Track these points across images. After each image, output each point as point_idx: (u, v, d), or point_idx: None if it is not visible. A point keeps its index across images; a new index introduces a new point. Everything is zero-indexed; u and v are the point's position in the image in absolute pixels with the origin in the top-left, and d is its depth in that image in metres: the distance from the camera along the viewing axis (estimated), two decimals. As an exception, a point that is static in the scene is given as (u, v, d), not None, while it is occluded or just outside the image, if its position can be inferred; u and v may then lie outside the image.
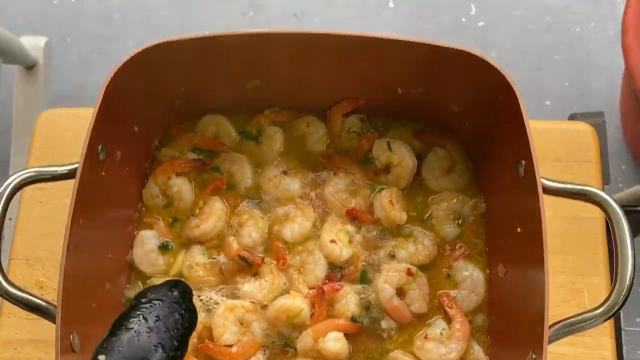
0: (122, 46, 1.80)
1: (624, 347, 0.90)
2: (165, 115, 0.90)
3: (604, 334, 0.87)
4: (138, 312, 0.61)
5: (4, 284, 0.71)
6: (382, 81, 0.85)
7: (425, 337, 0.83)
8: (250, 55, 0.81)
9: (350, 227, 0.87)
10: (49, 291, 0.88)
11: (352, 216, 0.87)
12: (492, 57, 0.76)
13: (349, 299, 0.84)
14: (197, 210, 0.89)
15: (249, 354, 0.83)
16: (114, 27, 1.84)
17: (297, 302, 0.83)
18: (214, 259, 0.87)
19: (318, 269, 0.85)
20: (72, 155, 0.75)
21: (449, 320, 0.84)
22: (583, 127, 0.97)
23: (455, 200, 0.88)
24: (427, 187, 0.90)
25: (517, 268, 0.79)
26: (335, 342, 0.82)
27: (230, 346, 0.83)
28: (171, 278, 0.84)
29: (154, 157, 0.91)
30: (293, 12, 1.79)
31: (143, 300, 0.63)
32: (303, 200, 0.89)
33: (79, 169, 0.72)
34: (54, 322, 0.68)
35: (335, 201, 0.88)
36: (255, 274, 0.86)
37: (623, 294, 0.69)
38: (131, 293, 0.85)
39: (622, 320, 0.92)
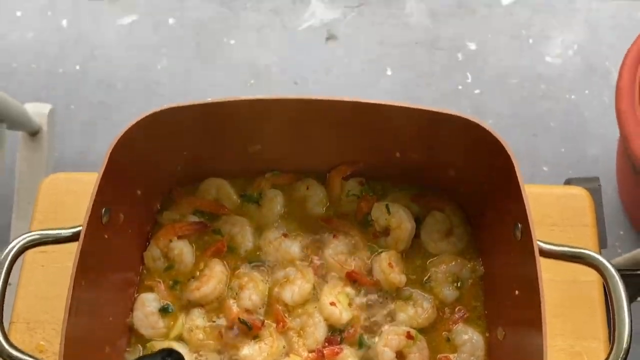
0: (125, 113, 1.83)
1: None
2: (167, 178, 0.91)
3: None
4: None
5: (6, 346, 0.71)
6: (380, 145, 0.87)
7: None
8: (252, 121, 0.83)
9: (350, 290, 0.88)
10: (49, 355, 0.88)
11: (352, 279, 0.88)
12: (488, 123, 0.78)
13: (349, 363, 0.84)
14: (198, 273, 0.89)
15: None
16: (116, 94, 1.88)
17: (297, 366, 0.83)
18: (214, 322, 0.87)
19: (318, 332, 0.85)
20: (74, 219, 0.76)
21: (449, 383, 0.84)
22: (579, 192, 0.99)
23: (453, 263, 0.89)
24: (426, 250, 0.91)
25: (516, 331, 0.79)
26: (335, 405, 0.81)
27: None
28: (166, 347, 0.83)
29: (156, 220, 0.92)
30: (293, 80, 1.83)
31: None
32: (303, 263, 0.90)
33: (83, 231, 0.73)
34: (54, 385, 0.68)
35: (334, 263, 0.89)
36: (255, 337, 0.86)
37: (620, 356, 0.69)
38: (131, 357, 0.85)
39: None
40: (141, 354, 0.85)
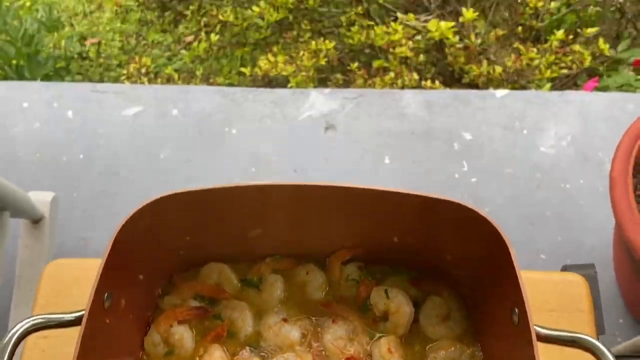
0: (127, 201, 1.85)
1: None
2: (169, 263, 0.93)
3: None
4: None
5: None
6: (378, 230, 0.89)
7: None
8: (253, 206, 0.85)
9: (349, 375, 0.88)
10: None
11: (351, 364, 0.88)
12: (485, 211, 0.80)
13: None
14: (198, 359, 0.89)
15: None
16: (119, 183, 1.91)
17: None
18: (213, 408, 0.86)
19: (317, 418, 0.85)
20: (76, 304, 0.77)
21: None
22: (575, 278, 1.00)
23: (452, 349, 0.89)
24: (425, 334, 0.91)
25: (517, 417, 0.79)
26: None
27: None
28: None
29: (157, 304, 0.93)
30: (293, 168, 1.86)
31: None
32: (302, 348, 0.90)
33: (85, 315, 0.74)
34: None
35: (334, 348, 0.89)
36: None
37: None
38: None
39: None
40: None
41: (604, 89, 2.17)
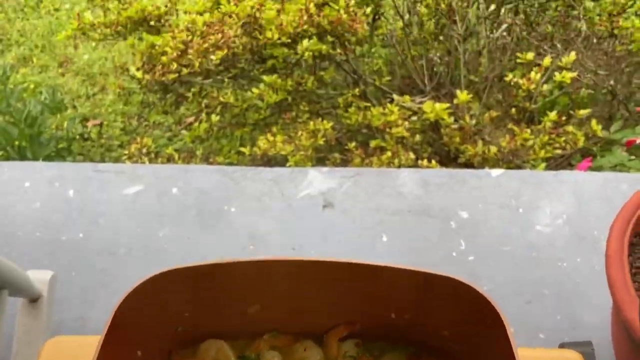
0: (125, 280, 1.85)
1: None
2: (168, 340, 0.93)
3: None
4: None
5: None
6: (376, 306, 0.89)
7: None
8: (251, 282, 0.86)
9: None
10: None
11: None
12: (483, 289, 0.81)
13: None
14: None
15: None
16: (118, 262, 1.91)
17: None
18: None
19: None
20: (73, 382, 0.77)
21: None
22: (572, 356, 1.00)
23: None
24: (423, 411, 0.91)
25: None
26: None
27: None
28: None
29: (154, 382, 0.93)
30: (291, 246, 1.87)
31: None
32: None
33: (82, 391, 0.74)
34: None
35: None
36: None
37: None
38: None
39: None
40: None
41: (598, 168, 2.21)
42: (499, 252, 1.90)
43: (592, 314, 1.77)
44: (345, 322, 0.94)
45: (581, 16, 2.63)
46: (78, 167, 2.18)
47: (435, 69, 2.76)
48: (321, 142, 2.40)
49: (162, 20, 2.84)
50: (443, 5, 2.74)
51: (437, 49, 2.84)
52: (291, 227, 1.94)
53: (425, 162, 2.28)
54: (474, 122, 2.37)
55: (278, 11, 2.48)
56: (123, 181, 2.05)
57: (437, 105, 2.31)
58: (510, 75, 2.34)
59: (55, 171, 2.11)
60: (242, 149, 2.54)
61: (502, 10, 2.88)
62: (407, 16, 2.94)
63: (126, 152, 2.78)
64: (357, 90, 2.64)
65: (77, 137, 3.46)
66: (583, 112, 2.34)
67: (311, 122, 2.48)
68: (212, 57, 2.42)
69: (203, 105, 2.72)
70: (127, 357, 0.85)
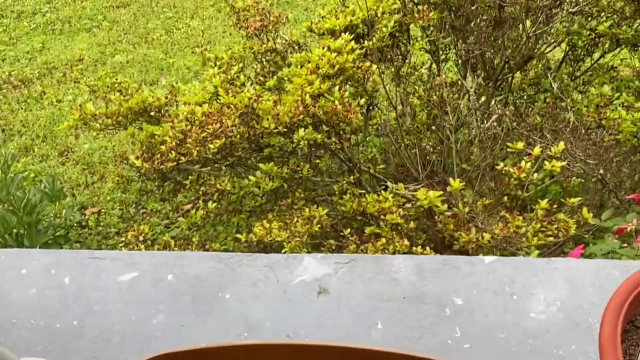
0: (118, 368, 1.84)
1: None
2: None
3: None
4: None
5: None
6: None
7: None
8: (245, 366, 0.87)
9: None
10: None
11: None
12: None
13: None
14: None
15: None
16: (111, 349, 1.90)
17: None
18: None
19: None
20: None
21: None
22: None
23: None
24: None
25: None
26: None
27: None
28: None
29: None
30: (286, 334, 1.87)
31: None
32: None
33: None
34: None
35: None
36: None
37: None
38: None
39: None
40: None
41: (591, 256, 2.23)
42: (494, 339, 1.89)
43: (589, 402, 1.75)
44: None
45: (569, 107, 2.71)
46: (74, 254, 2.20)
47: (428, 158, 2.82)
48: (316, 228, 2.43)
49: (162, 111, 2.91)
50: (435, 97, 2.82)
51: (429, 138, 2.91)
52: (286, 314, 1.94)
53: (419, 248, 2.30)
54: (467, 209, 2.40)
55: (275, 102, 2.55)
56: (119, 268, 2.06)
57: (431, 193, 2.35)
58: (502, 164, 2.39)
59: (52, 258, 2.12)
60: (238, 236, 2.56)
61: (492, 102, 2.96)
62: (400, 107, 3.03)
63: (123, 239, 2.80)
64: (352, 177, 2.69)
65: (75, 224, 3.49)
66: (574, 201, 2.38)
67: (307, 209, 2.51)
68: (210, 145, 2.48)
69: (200, 192, 2.76)
70: None
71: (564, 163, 2.33)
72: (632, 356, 1.46)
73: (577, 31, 2.91)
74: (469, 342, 1.90)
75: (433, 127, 2.87)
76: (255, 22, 3.05)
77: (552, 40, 2.99)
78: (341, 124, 2.54)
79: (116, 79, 3.10)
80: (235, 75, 2.92)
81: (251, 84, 2.91)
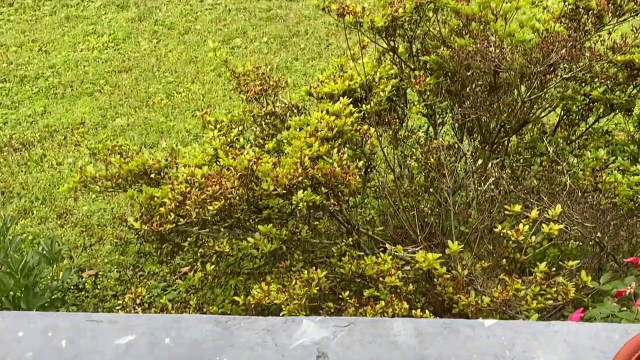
0: None
1: None
2: None
3: None
4: None
5: None
6: None
7: None
8: None
9: None
10: None
11: None
12: None
13: None
14: None
15: None
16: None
17: None
18: None
19: None
20: None
21: None
22: None
23: None
24: None
25: None
26: None
27: None
28: None
29: None
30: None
31: None
32: None
33: None
34: None
35: None
36: None
37: None
38: None
39: None
40: None
41: (590, 319, 2.22)
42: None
43: None
44: None
45: (565, 171, 2.73)
46: (71, 317, 2.18)
47: (426, 220, 2.83)
48: (315, 291, 2.42)
49: (162, 173, 2.94)
50: (432, 160, 2.85)
51: (427, 200, 2.93)
52: (284, 379, 1.92)
53: (419, 312, 2.29)
54: (466, 272, 2.40)
55: (274, 164, 2.58)
56: (116, 331, 2.05)
57: (430, 256, 2.35)
58: (500, 227, 2.40)
59: (49, 321, 2.11)
60: (236, 298, 2.54)
61: (489, 165, 3.00)
62: (398, 169, 3.06)
63: (120, 302, 2.79)
64: (350, 240, 2.69)
65: (72, 287, 3.48)
66: (572, 264, 2.38)
67: (305, 271, 2.51)
68: (210, 207, 2.49)
69: (198, 254, 2.76)
70: None
71: (562, 226, 2.34)
72: (635, 421, 1.44)
73: (571, 96, 2.96)
74: (469, 407, 1.87)
75: (431, 190, 2.90)
76: (255, 86, 3.10)
77: (547, 105, 3.04)
78: (340, 185, 2.56)
79: (117, 142, 3.14)
80: (235, 138, 2.96)
81: (250, 147, 2.94)
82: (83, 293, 3.59)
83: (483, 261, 2.48)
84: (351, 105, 2.74)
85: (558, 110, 3.12)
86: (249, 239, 2.61)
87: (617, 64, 2.89)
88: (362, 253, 2.64)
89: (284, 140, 2.79)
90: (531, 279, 2.35)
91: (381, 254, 2.52)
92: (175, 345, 2.00)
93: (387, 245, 2.54)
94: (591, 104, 3.04)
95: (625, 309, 2.25)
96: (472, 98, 2.84)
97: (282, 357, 1.95)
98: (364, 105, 2.86)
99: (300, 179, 2.50)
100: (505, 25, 2.77)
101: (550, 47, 2.65)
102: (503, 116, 2.90)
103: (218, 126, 3.06)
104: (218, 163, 2.74)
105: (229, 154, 2.64)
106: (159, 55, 5.57)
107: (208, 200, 2.50)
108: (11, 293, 2.82)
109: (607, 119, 3.14)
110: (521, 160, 3.13)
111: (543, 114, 3.10)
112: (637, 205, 2.61)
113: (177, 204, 2.54)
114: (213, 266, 2.67)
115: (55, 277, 3.27)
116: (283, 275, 2.62)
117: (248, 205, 2.60)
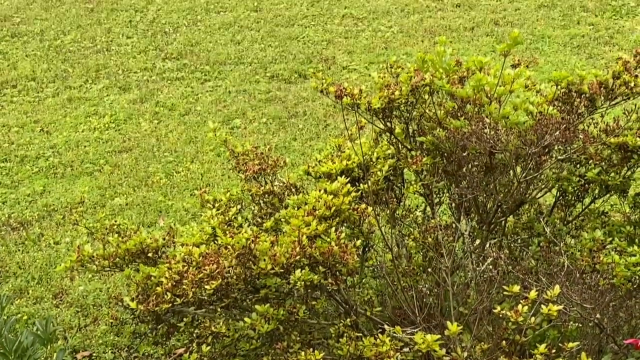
0: None
1: None
2: None
3: None
4: None
5: None
6: None
7: None
8: None
9: None
10: None
11: None
12: None
13: None
14: None
15: None
16: None
17: None
18: None
19: None
20: None
21: None
22: None
23: None
24: None
25: None
26: None
27: None
28: None
29: None
30: None
31: None
32: None
33: None
34: None
35: None
36: None
37: None
38: None
39: None
40: None
41: (593, 402, 2.18)
42: None
43: None
44: None
45: (563, 252, 2.73)
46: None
47: (425, 300, 2.81)
48: (312, 373, 2.39)
49: (160, 252, 2.94)
50: (430, 240, 2.86)
51: (426, 280, 2.92)
52: None
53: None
54: (465, 354, 2.37)
55: (272, 243, 2.58)
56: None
57: (429, 337, 2.33)
58: (499, 308, 2.39)
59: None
60: (232, 381, 2.50)
61: (487, 245, 3.00)
62: (396, 249, 3.06)
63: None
64: (348, 320, 2.67)
65: (65, 368, 3.41)
66: (572, 345, 2.35)
67: (302, 353, 2.47)
68: (207, 286, 2.48)
69: (194, 335, 2.73)
70: None
71: (561, 307, 2.32)
72: None
73: (566, 177, 2.99)
74: None
75: (429, 270, 2.89)
76: (253, 165, 3.14)
77: (543, 186, 3.07)
78: (337, 265, 2.56)
79: (115, 221, 3.15)
80: (233, 217, 2.97)
81: (248, 225, 2.95)
82: (76, 375, 3.52)
83: (483, 343, 2.46)
84: (349, 185, 2.77)
85: (554, 191, 3.15)
86: (246, 319, 2.59)
87: (610, 146, 2.93)
88: (361, 334, 2.61)
89: (282, 219, 2.81)
90: (531, 360, 2.32)
91: (380, 335, 2.49)
92: None
93: (386, 326, 2.52)
94: (586, 185, 3.06)
95: (627, 391, 2.22)
96: (469, 178, 2.87)
97: None
98: (361, 185, 2.89)
99: (298, 257, 2.50)
100: (499, 107, 2.83)
101: (544, 129, 2.70)
102: (500, 196, 2.92)
103: (216, 205, 3.08)
104: (216, 242, 2.74)
105: (227, 232, 2.65)
106: (159, 135, 5.64)
107: (205, 280, 2.49)
108: (4, 373, 2.77)
109: (603, 200, 3.16)
110: (519, 241, 3.13)
111: (539, 194, 3.12)
112: (635, 286, 2.60)
113: (174, 283, 2.53)
114: (209, 347, 2.63)
115: (49, 358, 3.22)
116: (280, 356, 2.58)
117: (245, 284, 2.59)
